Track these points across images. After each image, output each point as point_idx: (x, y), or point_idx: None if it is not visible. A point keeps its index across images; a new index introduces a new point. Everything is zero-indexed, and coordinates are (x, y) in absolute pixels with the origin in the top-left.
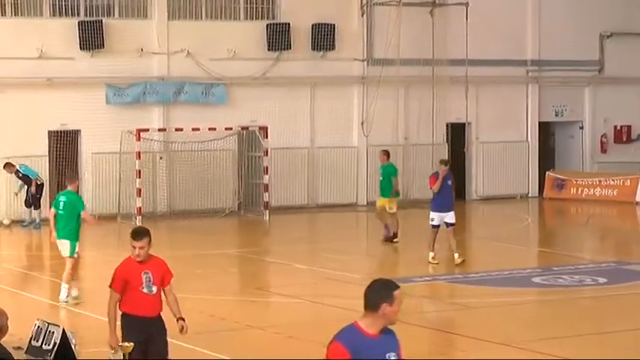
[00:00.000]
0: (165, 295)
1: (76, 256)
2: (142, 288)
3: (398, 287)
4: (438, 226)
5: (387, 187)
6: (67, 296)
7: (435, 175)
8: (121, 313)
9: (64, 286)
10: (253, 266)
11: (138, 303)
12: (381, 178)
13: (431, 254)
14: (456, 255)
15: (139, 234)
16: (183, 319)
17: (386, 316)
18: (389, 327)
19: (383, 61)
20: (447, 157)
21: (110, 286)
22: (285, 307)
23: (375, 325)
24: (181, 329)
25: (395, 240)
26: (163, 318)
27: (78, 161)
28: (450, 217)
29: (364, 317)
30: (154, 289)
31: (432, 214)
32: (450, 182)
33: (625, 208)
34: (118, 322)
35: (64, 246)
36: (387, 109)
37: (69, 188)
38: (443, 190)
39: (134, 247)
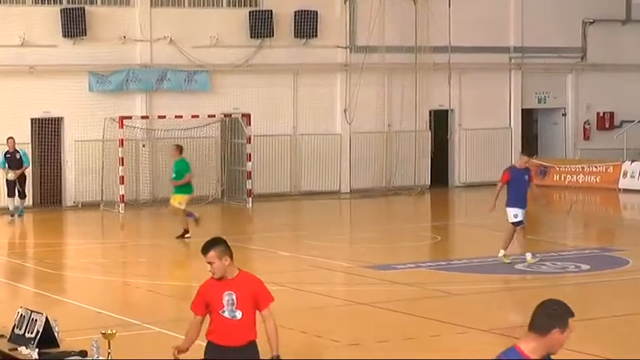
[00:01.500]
0: (263, 320)
1: None
2: (223, 312)
3: (573, 314)
4: (520, 222)
5: (187, 184)
6: None
7: (510, 170)
8: (207, 341)
9: None
10: (236, 254)
11: (220, 330)
12: (173, 175)
13: (502, 252)
14: (529, 255)
15: (204, 246)
16: (278, 357)
17: (552, 342)
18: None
19: (366, 48)
20: (529, 150)
21: (190, 307)
22: None
23: (538, 350)
24: None
25: (187, 236)
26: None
27: (61, 149)
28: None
29: (528, 341)
30: (238, 313)
31: (514, 210)
32: (527, 177)
33: (608, 195)
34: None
35: None
36: (370, 97)
37: None
38: (520, 185)
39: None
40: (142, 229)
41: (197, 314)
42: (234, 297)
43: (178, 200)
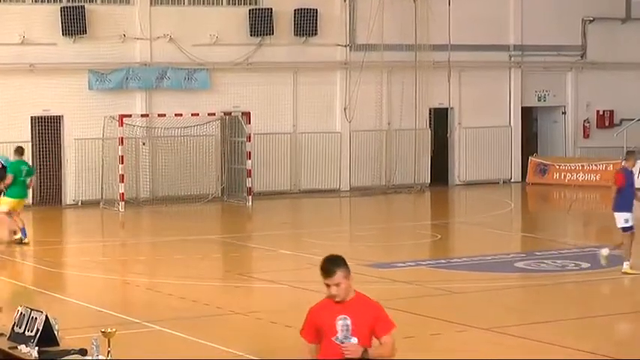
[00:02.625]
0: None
1: None
2: (336, 338)
3: None
4: (632, 228)
5: (16, 187)
6: None
7: (623, 172)
8: None
9: None
10: (236, 252)
11: (332, 356)
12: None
13: (626, 264)
14: (626, 264)
15: (329, 269)
16: (366, 350)
17: None
18: None
19: (365, 46)
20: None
21: (300, 333)
22: (268, 293)
23: None
24: None
25: (22, 240)
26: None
27: (60, 147)
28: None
29: None
30: (354, 340)
31: (624, 215)
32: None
33: (607, 193)
34: None
35: None
36: (370, 95)
37: None
38: (630, 188)
39: (327, 286)
40: (142, 228)
41: (309, 341)
42: (349, 322)
43: (3, 203)
